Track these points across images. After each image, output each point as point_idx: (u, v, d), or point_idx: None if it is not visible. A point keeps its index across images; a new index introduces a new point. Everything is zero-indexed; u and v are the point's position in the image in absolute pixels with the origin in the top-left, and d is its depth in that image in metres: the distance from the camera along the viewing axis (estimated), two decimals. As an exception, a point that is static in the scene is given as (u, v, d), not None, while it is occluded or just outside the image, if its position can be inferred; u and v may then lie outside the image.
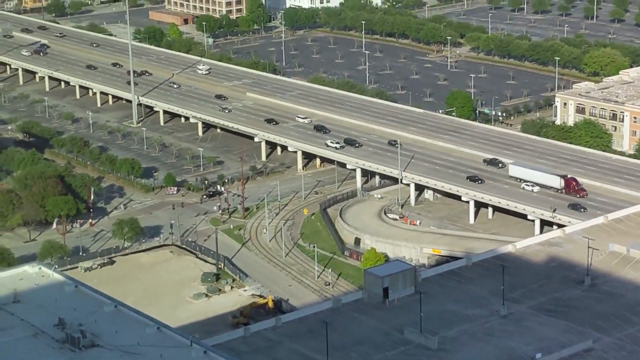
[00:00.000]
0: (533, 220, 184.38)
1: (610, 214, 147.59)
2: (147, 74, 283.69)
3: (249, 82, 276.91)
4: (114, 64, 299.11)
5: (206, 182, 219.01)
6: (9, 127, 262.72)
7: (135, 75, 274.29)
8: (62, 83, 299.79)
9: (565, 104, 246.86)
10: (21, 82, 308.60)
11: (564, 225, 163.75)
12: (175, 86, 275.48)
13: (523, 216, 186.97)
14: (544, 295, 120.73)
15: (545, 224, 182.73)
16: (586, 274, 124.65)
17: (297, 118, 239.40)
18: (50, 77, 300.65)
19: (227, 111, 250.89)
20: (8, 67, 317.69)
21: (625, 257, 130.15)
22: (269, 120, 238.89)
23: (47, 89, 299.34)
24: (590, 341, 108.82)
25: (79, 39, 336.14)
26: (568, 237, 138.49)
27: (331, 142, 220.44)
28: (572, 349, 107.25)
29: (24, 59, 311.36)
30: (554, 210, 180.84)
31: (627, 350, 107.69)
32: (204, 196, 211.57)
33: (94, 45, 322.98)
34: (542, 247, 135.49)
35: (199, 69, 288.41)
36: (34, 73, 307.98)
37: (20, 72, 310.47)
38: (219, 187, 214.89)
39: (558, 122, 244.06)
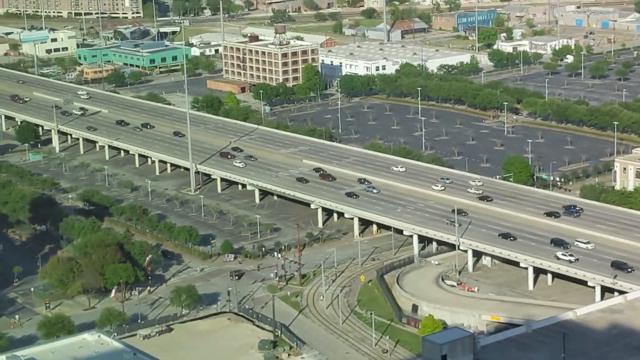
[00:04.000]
0: (594, 287, 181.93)
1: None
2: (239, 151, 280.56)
3: (306, 149, 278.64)
4: (175, 133, 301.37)
5: (263, 249, 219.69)
6: (70, 196, 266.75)
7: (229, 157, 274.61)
8: (122, 152, 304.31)
9: (624, 168, 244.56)
10: (82, 152, 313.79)
11: (625, 292, 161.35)
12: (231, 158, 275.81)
13: (583, 282, 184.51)
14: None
15: (606, 290, 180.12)
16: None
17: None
18: (110, 146, 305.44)
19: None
20: (69, 136, 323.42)
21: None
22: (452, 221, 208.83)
23: (107, 158, 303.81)
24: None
25: (138, 108, 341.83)
26: (629, 303, 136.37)
27: (563, 254, 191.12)
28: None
29: (85, 130, 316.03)
30: (615, 277, 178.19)
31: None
32: (235, 276, 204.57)
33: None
34: (603, 314, 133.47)
35: (80, 94, 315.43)
36: (94, 142, 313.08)
37: (80, 141, 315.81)
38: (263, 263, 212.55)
39: (618, 187, 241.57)
